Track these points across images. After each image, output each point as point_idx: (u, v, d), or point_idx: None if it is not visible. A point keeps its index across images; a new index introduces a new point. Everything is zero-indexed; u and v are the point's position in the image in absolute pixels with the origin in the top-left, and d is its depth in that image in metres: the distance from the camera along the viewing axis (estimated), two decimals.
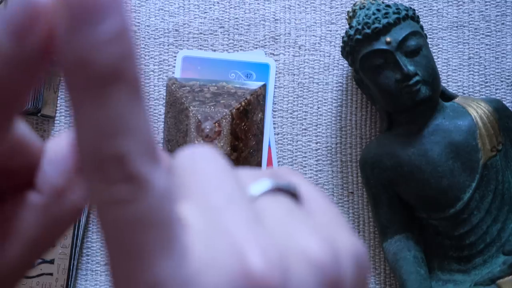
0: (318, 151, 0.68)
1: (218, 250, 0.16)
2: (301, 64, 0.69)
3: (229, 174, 0.19)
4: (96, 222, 0.16)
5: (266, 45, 0.69)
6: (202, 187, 0.18)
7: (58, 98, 0.68)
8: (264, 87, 0.67)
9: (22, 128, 0.19)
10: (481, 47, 0.69)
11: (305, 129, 0.68)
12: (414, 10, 0.62)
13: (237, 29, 0.69)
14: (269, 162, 0.67)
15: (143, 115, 0.15)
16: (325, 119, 0.68)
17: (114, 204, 0.15)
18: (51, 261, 0.64)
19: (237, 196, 0.18)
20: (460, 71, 0.68)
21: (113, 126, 0.15)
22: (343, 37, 0.63)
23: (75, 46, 0.14)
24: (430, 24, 0.69)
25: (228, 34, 0.69)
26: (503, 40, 0.69)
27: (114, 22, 0.14)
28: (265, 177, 0.20)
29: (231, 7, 0.69)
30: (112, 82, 0.15)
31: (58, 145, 0.20)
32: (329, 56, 0.69)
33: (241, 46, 0.69)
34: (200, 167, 0.19)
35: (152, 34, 0.69)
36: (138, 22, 0.69)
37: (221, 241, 0.16)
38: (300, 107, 0.68)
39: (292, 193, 0.19)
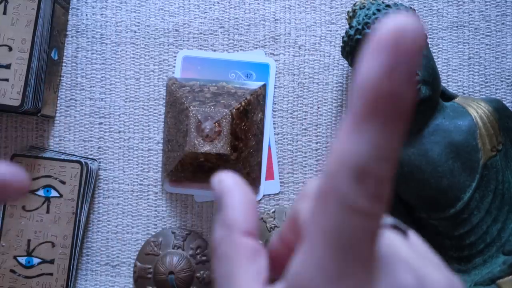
0: (318, 151, 0.68)
1: (401, 278, 0.20)
2: (301, 64, 0.69)
3: None
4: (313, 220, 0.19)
5: (266, 45, 0.69)
6: None
7: (58, 98, 0.68)
8: (264, 87, 0.67)
9: None
10: (481, 47, 0.68)
11: (305, 129, 0.68)
12: (414, 10, 0.62)
13: (237, 29, 0.69)
14: (269, 162, 0.67)
15: None
16: (325, 119, 0.68)
17: (355, 213, 0.18)
18: (51, 261, 0.64)
19: None
20: (460, 71, 0.68)
21: (388, 152, 0.17)
22: (343, 37, 0.63)
23: (393, 78, 0.17)
24: (430, 24, 0.69)
25: (228, 34, 0.69)
26: (503, 40, 0.68)
27: (414, 59, 0.17)
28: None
29: (231, 7, 0.69)
30: (401, 115, 0.17)
31: None
32: (329, 56, 0.69)
33: (241, 46, 0.69)
34: None
35: (152, 34, 0.69)
36: (138, 22, 0.69)
37: (401, 268, 0.20)
38: (300, 107, 0.68)
39: (402, 231, 0.23)
